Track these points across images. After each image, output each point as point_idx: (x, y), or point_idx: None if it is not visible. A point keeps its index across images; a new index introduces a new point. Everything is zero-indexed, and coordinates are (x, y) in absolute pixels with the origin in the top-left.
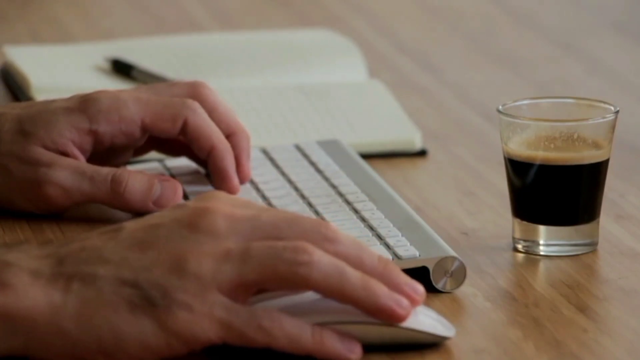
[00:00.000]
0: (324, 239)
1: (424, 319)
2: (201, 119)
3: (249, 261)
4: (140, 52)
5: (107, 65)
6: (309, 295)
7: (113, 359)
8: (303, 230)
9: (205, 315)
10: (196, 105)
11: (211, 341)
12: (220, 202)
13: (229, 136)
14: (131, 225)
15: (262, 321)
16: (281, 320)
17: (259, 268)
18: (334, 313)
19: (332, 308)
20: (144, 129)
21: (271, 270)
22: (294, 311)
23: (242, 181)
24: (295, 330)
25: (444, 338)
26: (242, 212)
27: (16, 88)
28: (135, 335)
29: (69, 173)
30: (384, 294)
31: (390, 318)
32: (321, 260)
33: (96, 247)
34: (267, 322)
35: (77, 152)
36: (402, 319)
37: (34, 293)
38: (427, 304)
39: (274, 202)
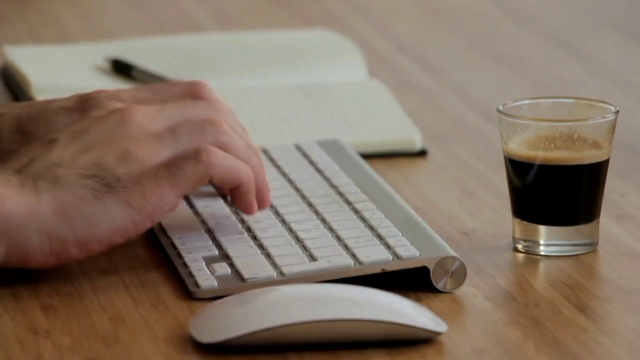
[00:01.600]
0: (222, 114)
1: (418, 317)
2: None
3: (178, 138)
4: (140, 52)
5: (107, 65)
6: (309, 293)
7: (86, 247)
8: (204, 109)
9: (154, 184)
10: None
11: (170, 204)
12: (129, 104)
13: None
14: (62, 136)
15: (199, 155)
16: (216, 152)
17: (188, 142)
18: (333, 310)
19: (331, 306)
20: None
21: (197, 141)
22: (295, 308)
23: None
24: (229, 161)
25: (437, 333)
26: (151, 107)
27: (16, 88)
28: (103, 219)
29: None
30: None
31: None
32: (231, 131)
33: (42, 155)
34: (203, 155)
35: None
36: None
37: (11, 199)
38: (427, 304)
39: (274, 202)
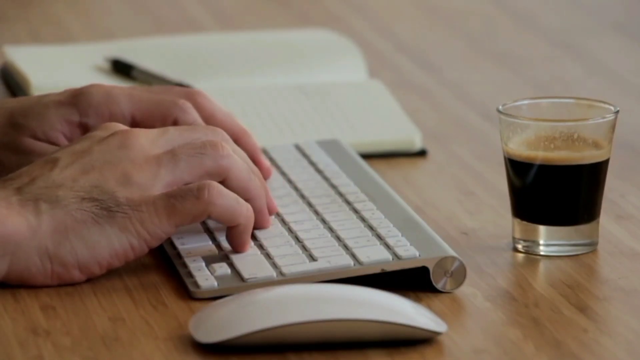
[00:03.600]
0: (222, 138)
1: (418, 317)
2: (192, 119)
3: (179, 162)
4: (140, 52)
5: (107, 65)
6: (309, 293)
7: (87, 270)
8: (205, 134)
9: (153, 213)
10: (187, 105)
11: (167, 234)
12: (133, 130)
13: (235, 141)
14: (63, 155)
15: (201, 192)
16: (219, 189)
17: (188, 166)
18: (333, 310)
19: (331, 306)
20: (134, 125)
21: (198, 165)
22: (295, 308)
23: (266, 176)
24: (231, 202)
25: (437, 333)
26: (153, 131)
27: (16, 88)
28: (103, 243)
29: None
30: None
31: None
32: (233, 153)
33: (44, 175)
34: (205, 193)
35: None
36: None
37: (12, 218)
38: (427, 304)
39: (274, 202)
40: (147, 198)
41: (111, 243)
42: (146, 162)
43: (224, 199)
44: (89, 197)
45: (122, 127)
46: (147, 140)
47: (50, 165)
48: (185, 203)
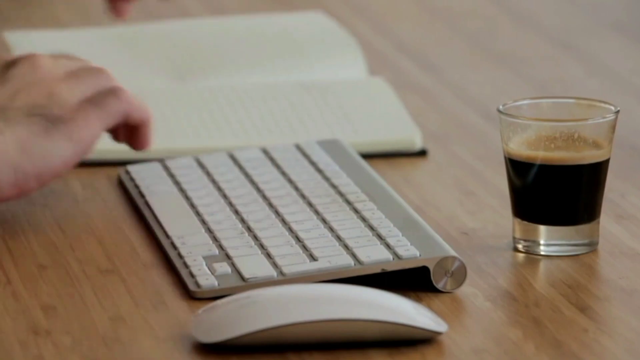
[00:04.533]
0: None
1: (418, 316)
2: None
3: (83, 79)
4: (137, 42)
5: None
6: (309, 293)
7: (42, 179)
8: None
9: (85, 119)
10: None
11: (97, 136)
12: (35, 54)
13: None
14: None
15: (119, 91)
16: (129, 91)
17: (93, 83)
18: (333, 310)
19: (331, 306)
20: None
21: (100, 80)
22: (295, 308)
23: None
24: (138, 100)
25: (437, 333)
26: (48, 55)
27: None
28: (55, 152)
29: None
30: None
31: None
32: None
33: None
34: (122, 91)
35: None
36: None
37: None
38: (427, 303)
39: (274, 202)
40: (76, 107)
41: (61, 152)
42: (61, 79)
43: (135, 97)
44: (33, 113)
45: (13, 54)
46: (51, 62)
47: None
48: (109, 104)
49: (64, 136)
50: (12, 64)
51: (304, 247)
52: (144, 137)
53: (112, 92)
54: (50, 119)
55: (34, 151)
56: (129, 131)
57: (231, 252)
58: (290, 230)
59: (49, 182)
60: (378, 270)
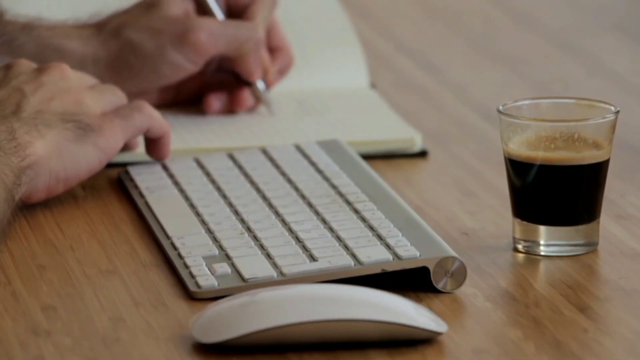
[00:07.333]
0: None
1: (418, 317)
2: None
3: (106, 92)
4: None
5: None
6: (309, 293)
7: (68, 184)
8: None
9: (112, 129)
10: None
11: (120, 147)
12: (61, 64)
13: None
14: (24, 86)
15: (143, 107)
16: (149, 107)
17: (112, 96)
18: (333, 310)
19: (331, 306)
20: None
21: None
22: (295, 308)
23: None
24: (159, 114)
25: (437, 333)
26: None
27: None
28: (83, 159)
29: (214, 21)
30: None
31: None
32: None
33: (23, 103)
34: (145, 106)
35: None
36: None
37: (36, 143)
38: (427, 304)
39: (274, 202)
40: (103, 117)
41: (88, 159)
42: (86, 89)
43: (156, 111)
44: (66, 119)
45: (31, 63)
46: (75, 73)
47: (19, 94)
48: (134, 118)
49: (92, 143)
50: (42, 70)
51: (304, 248)
52: (164, 148)
53: (137, 107)
54: (81, 125)
55: (66, 157)
56: (149, 142)
57: (231, 253)
58: (290, 230)
59: (73, 187)
60: (378, 271)
